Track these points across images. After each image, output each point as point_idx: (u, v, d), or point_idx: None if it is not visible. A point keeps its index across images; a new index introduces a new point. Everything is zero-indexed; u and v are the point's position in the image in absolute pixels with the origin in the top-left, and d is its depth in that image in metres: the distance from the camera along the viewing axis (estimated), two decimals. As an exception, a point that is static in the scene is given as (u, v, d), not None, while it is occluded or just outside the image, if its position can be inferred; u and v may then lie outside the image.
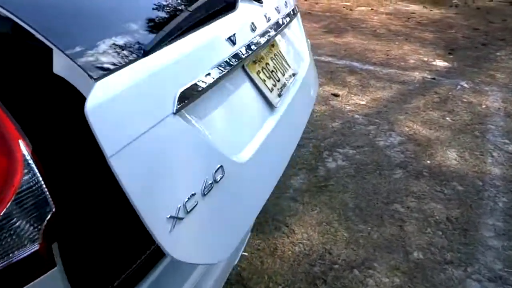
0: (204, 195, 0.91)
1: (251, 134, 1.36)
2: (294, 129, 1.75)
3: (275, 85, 1.60)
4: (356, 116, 3.65)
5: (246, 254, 2.19)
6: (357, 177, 2.82)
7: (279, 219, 2.44)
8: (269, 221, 2.44)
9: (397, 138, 3.30)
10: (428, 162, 3.01)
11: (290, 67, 1.82)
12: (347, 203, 2.57)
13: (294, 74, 1.82)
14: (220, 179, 0.98)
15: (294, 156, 3.04)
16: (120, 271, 1.27)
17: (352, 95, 4.05)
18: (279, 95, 1.59)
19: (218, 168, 0.97)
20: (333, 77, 4.48)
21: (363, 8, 7.62)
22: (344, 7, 7.64)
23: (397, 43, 5.63)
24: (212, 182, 0.94)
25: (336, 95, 4.04)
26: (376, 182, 2.77)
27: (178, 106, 0.98)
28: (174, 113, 0.97)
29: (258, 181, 1.30)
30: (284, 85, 1.67)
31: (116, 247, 1.41)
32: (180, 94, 1.00)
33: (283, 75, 1.71)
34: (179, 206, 0.85)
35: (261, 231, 2.36)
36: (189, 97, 1.03)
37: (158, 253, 1.39)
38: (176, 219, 0.84)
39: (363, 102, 3.91)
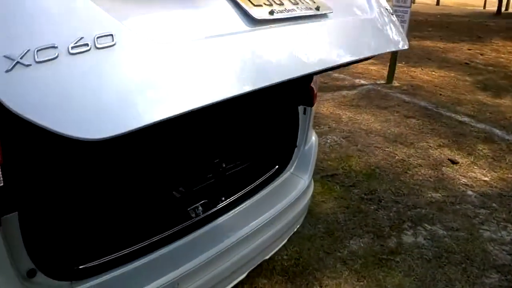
0: (70, 54, 0.79)
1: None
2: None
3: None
4: (469, 192, 3.02)
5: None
6: (432, 263, 2.31)
7: (316, 276, 2.19)
8: (305, 273, 2.20)
9: (512, 234, 2.59)
10: (545, 278, 2.26)
11: None
12: (403, 289, 2.13)
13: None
14: (104, 47, 0.83)
15: (367, 216, 2.69)
16: (87, 256, 1.32)
17: (475, 167, 3.37)
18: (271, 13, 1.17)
19: (106, 35, 0.83)
20: (461, 140, 3.82)
21: (542, 70, 6.33)
22: (515, 65, 6.49)
23: None
24: (90, 45, 0.80)
25: (454, 162, 3.43)
26: (454, 277, 2.22)
27: None
28: None
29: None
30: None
31: (86, 232, 1.46)
32: None
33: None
34: (26, 50, 0.74)
35: (292, 280, 2.15)
36: None
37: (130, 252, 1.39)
38: (18, 63, 0.73)
39: (486, 179, 3.21)
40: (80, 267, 1.30)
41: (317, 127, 4.12)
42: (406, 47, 1.45)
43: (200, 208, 1.63)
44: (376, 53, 1.38)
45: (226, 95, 0.96)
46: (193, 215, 1.60)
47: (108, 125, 0.79)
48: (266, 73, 1.09)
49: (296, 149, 1.97)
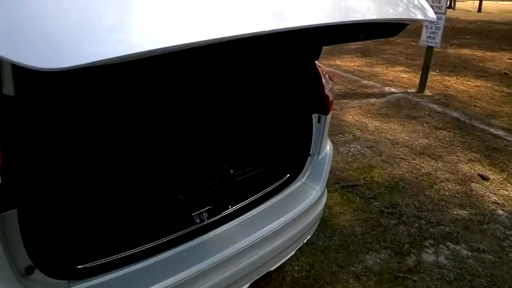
0: None
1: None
2: None
3: None
4: (500, 212, 2.83)
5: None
6: (453, 286, 2.17)
7: (326, 291, 2.10)
8: (315, 286, 2.13)
9: (545, 260, 2.39)
10: None
11: None
12: (419, 312, 2.01)
13: None
14: None
15: (386, 230, 2.57)
16: (86, 256, 1.32)
17: (508, 185, 3.16)
18: None
19: None
20: (494, 155, 3.60)
21: None
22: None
23: None
24: None
25: (484, 178, 3.23)
26: (476, 303, 2.07)
27: None
28: None
29: None
30: None
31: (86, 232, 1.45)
32: None
33: None
34: None
35: (300, 293, 2.08)
36: None
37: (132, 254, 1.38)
38: None
39: (520, 198, 2.99)
40: (78, 267, 1.30)
41: (340, 135, 4.02)
42: (433, 17, 1.31)
43: (205, 214, 1.60)
44: (399, 17, 1.24)
45: (222, 34, 0.80)
46: (198, 220, 1.57)
47: (70, 54, 0.69)
48: (279, 15, 0.96)
49: (309, 158, 1.91)
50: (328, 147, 1.97)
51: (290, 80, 1.86)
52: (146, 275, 1.36)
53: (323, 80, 1.81)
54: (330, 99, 1.82)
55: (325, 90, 1.79)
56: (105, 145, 1.62)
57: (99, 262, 1.33)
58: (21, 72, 1.24)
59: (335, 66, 7.03)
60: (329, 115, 1.88)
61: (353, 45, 8.90)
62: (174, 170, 1.72)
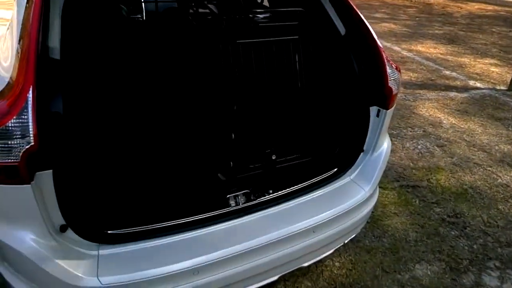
0: None
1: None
2: None
3: None
4: None
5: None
6: (514, 318, 1.90)
7: (364, 297, 1.97)
8: (353, 289, 2.00)
9: None
10: None
11: None
12: None
13: None
14: None
15: (444, 241, 2.33)
16: (117, 223, 1.35)
17: None
18: None
19: None
20: None
21: None
22: None
23: None
24: None
25: None
26: None
27: None
28: None
29: None
30: None
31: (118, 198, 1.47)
32: None
33: None
34: None
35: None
36: None
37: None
38: None
39: None
40: (109, 232, 1.33)
41: (409, 129, 3.70)
42: None
43: (241, 197, 1.55)
44: None
45: None
46: (232, 203, 1.52)
47: None
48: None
49: (362, 154, 1.74)
50: (385, 144, 1.78)
51: (347, 64, 1.69)
52: (173, 250, 1.36)
53: (388, 70, 1.61)
54: (394, 92, 1.62)
55: (388, 81, 1.60)
56: (147, 111, 1.62)
57: (129, 230, 1.36)
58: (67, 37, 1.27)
59: (416, 52, 6.46)
60: (391, 110, 1.68)
61: (438, 30, 8.10)
62: (216, 147, 1.68)
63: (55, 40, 1.24)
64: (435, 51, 6.60)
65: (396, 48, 6.66)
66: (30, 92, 1.06)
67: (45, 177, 1.15)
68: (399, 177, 2.94)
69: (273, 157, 1.70)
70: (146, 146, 1.61)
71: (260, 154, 1.70)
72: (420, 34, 7.77)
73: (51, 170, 1.16)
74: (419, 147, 3.40)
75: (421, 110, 4.14)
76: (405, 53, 6.35)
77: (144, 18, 2.73)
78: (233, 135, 1.61)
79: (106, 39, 1.60)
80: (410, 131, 3.67)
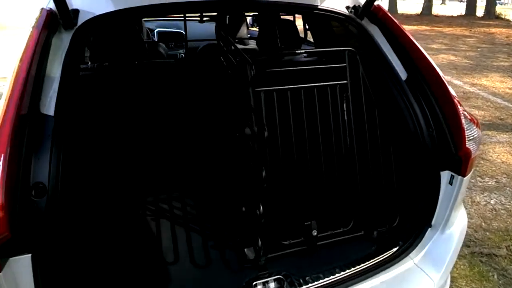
0: None
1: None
2: None
3: None
4: None
5: None
6: None
7: None
8: None
9: None
10: None
11: None
12: None
13: None
14: None
15: None
16: None
17: None
18: None
19: None
20: None
21: None
22: None
23: None
24: None
25: None
26: None
27: None
28: None
29: None
30: None
31: None
32: None
33: None
34: None
35: None
36: None
37: None
38: None
39: None
40: None
41: (478, 179, 3.18)
42: None
43: (271, 284, 1.23)
44: None
45: None
46: None
47: None
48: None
49: (428, 230, 1.36)
50: (461, 219, 1.39)
51: (410, 117, 1.36)
52: None
53: (464, 125, 1.25)
54: (472, 154, 1.25)
55: (466, 141, 1.23)
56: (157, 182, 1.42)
57: None
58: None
59: (480, 86, 5.86)
60: (468, 177, 1.30)
61: (504, 62, 7.39)
62: (241, 218, 1.40)
63: (50, 104, 1.06)
64: (502, 86, 5.95)
65: (457, 82, 6.10)
66: (1, 161, 0.85)
67: (21, 264, 0.93)
68: (470, 241, 2.44)
69: (314, 233, 1.38)
70: (148, 223, 1.37)
71: (297, 228, 1.39)
72: (483, 66, 7.13)
73: (29, 255, 0.94)
74: (492, 202, 2.87)
75: (491, 156, 3.59)
76: (468, 88, 5.78)
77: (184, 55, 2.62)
78: (261, 206, 1.31)
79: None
80: (480, 182, 3.15)
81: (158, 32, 3.49)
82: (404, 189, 1.47)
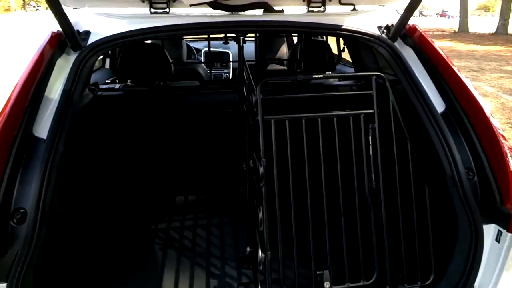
0: None
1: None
2: None
3: None
4: None
5: None
6: None
7: None
8: None
9: None
10: None
11: None
12: None
13: None
14: None
15: None
16: None
17: None
18: None
19: None
20: None
21: None
22: None
23: None
24: None
25: None
26: None
27: None
28: None
29: None
30: None
31: None
32: None
33: None
34: None
35: None
36: None
37: None
38: None
39: None
40: None
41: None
42: None
43: None
44: None
45: None
46: None
47: None
48: None
49: None
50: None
51: (445, 156, 1.14)
52: None
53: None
54: None
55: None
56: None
57: None
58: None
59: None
60: None
61: None
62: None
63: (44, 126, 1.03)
64: None
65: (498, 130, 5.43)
66: None
67: None
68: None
69: (327, 285, 1.19)
70: None
71: (306, 278, 1.21)
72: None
73: (5, 284, 0.89)
74: None
75: None
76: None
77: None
78: (259, 250, 1.15)
79: None
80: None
81: (205, 52, 3.49)
82: (441, 241, 1.23)
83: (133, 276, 1.47)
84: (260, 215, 1.09)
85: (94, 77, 2.23)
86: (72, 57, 1.18)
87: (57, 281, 1.33)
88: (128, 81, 1.91)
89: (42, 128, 1.03)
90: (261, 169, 1.08)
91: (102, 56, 2.65)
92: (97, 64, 2.79)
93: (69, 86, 1.11)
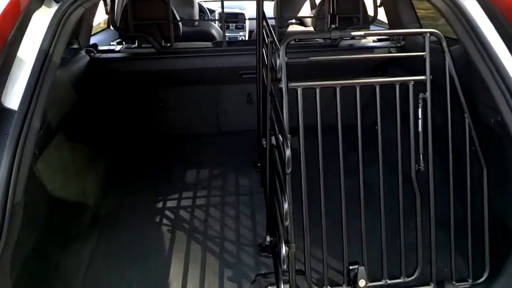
0: None
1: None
2: None
3: None
4: None
5: None
6: None
7: None
8: None
9: None
10: None
11: None
12: None
13: None
14: None
15: None
16: None
17: None
18: None
19: None
20: None
21: None
22: None
23: None
24: None
25: None
26: None
27: None
28: None
29: None
30: None
31: None
32: None
33: None
34: None
35: None
36: None
37: None
38: None
39: None
40: None
41: None
42: None
43: None
44: None
45: None
46: None
47: None
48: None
49: None
50: None
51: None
52: None
53: None
54: None
55: None
56: None
57: None
58: None
59: None
60: None
61: None
62: None
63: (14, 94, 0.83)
64: None
65: None
66: None
67: None
68: None
69: (362, 283, 1.03)
70: None
71: (338, 273, 1.05)
72: None
73: None
74: None
75: None
76: None
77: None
78: (283, 244, 0.98)
79: None
80: None
81: (219, 14, 3.31)
82: (497, 234, 1.04)
83: (136, 262, 1.34)
84: (286, 206, 0.90)
85: (97, 39, 2.03)
86: (53, 9, 0.95)
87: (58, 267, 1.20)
88: (134, 44, 1.71)
89: (12, 97, 0.82)
90: (288, 152, 0.87)
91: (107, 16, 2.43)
92: (102, 24, 2.58)
93: (47, 46, 0.88)
